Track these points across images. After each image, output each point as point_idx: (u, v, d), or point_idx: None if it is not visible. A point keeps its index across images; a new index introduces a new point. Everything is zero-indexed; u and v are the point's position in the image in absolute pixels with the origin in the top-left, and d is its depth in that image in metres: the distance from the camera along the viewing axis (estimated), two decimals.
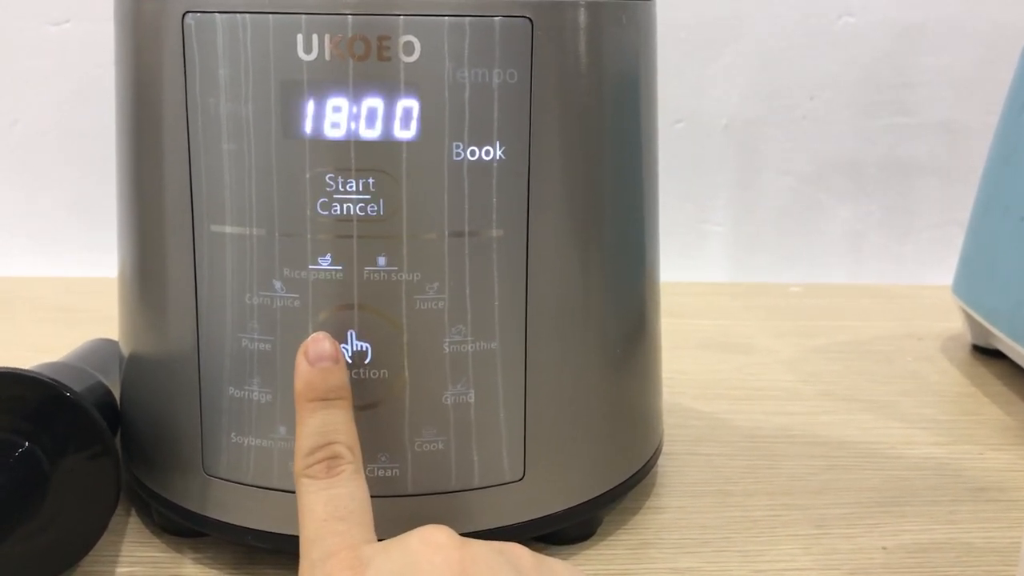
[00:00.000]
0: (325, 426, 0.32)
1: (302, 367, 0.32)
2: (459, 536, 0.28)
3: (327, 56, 0.32)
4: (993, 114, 0.60)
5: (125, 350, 0.40)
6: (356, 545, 0.29)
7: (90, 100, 0.77)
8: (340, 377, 0.33)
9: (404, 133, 0.33)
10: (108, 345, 0.47)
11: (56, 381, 0.36)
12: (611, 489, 0.39)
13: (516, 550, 0.29)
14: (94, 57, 0.77)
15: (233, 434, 0.36)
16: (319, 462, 0.31)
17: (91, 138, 0.78)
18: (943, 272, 0.64)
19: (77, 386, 0.37)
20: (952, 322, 0.68)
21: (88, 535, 0.36)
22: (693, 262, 0.84)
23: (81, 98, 0.78)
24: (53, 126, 0.79)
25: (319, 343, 0.33)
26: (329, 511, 0.30)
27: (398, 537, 0.29)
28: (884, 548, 0.40)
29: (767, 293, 0.78)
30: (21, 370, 0.35)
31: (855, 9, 0.79)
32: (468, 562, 0.27)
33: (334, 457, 0.31)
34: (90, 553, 0.36)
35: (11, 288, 0.74)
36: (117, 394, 0.42)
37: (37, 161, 0.79)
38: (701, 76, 0.80)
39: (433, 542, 0.28)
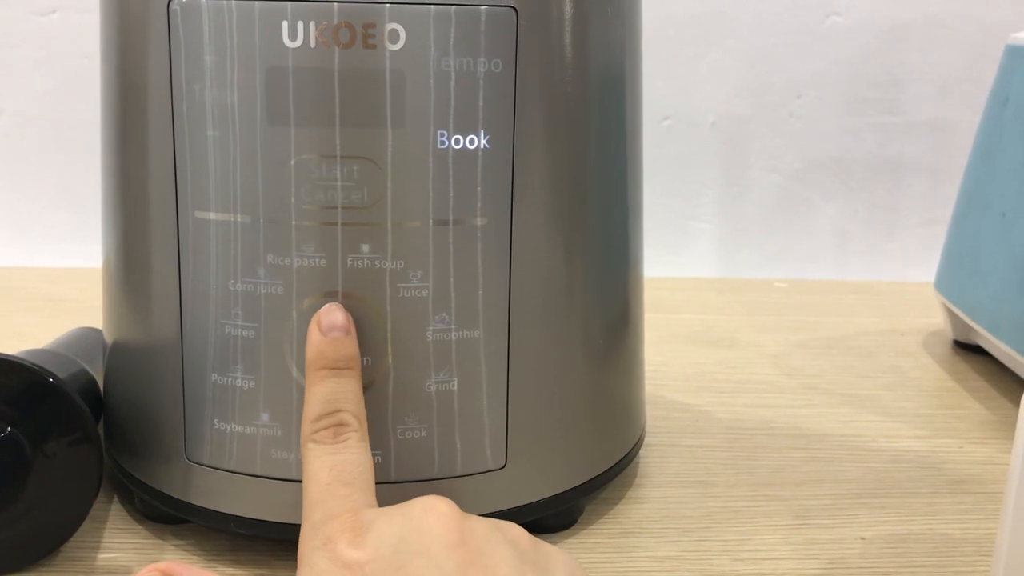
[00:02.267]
0: (334, 394, 0.32)
1: (314, 336, 0.33)
2: (459, 509, 0.29)
3: (312, 43, 0.33)
4: (979, 113, 0.61)
5: (109, 337, 0.40)
6: (358, 509, 0.29)
7: (77, 90, 0.77)
8: (351, 347, 0.33)
9: (389, 121, 0.33)
10: (92, 333, 0.47)
11: (39, 367, 0.35)
12: (593, 478, 0.40)
13: (514, 530, 0.29)
14: (81, 47, 0.76)
15: (216, 421, 0.36)
16: (325, 428, 0.32)
17: (77, 128, 0.78)
18: (929, 270, 0.65)
19: (61, 373, 0.37)
20: (935, 318, 0.68)
21: (70, 521, 0.36)
22: (680, 259, 0.84)
23: (68, 88, 0.77)
24: (39, 116, 0.78)
25: (332, 313, 0.33)
26: (333, 475, 0.30)
27: (400, 504, 0.29)
28: (862, 538, 0.40)
29: (752, 288, 0.78)
30: (4, 355, 0.35)
31: (842, 8, 0.80)
32: (468, 533, 0.27)
33: (340, 424, 0.32)
34: (72, 539, 0.36)
35: None
36: (101, 382, 0.42)
37: (23, 151, 0.79)
38: (689, 73, 0.81)
39: (435, 510, 0.28)
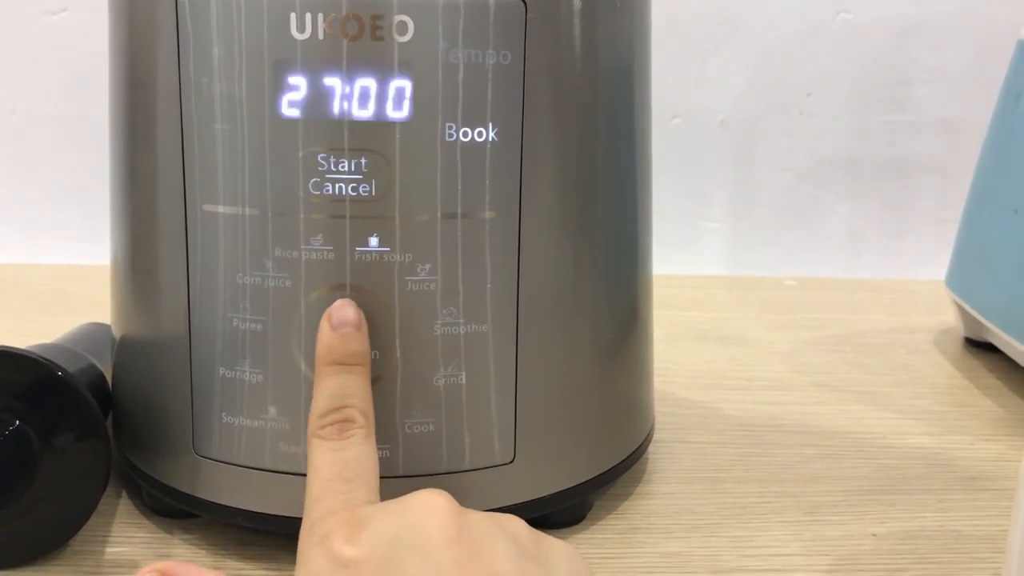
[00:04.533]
0: (341, 389, 0.32)
1: (325, 331, 0.33)
2: (457, 504, 0.28)
3: (320, 35, 0.33)
4: (991, 110, 0.60)
5: (117, 331, 0.40)
6: (356, 505, 0.29)
7: (87, 88, 0.77)
8: (361, 344, 0.33)
9: (397, 113, 0.33)
10: (101, 329, 0.47)
11: (49, 361, 0.36)
12: (601, 474, 0.40)
13: (514, 523, 0.29)
14: (91, 46, 0.77)
15: (224, 415, 0.36)
16: (332, 424, 0.32)
17: (88, 126, 0.78)
18: (940, 268, 0.65)
19: (69, 367, 0.37)
20: (946, 316, 0.68)
21: (78, 515, 0.36)
22: (691, 257, 0.84)
23: (78, 87, 0.78)
24: (50, 115, 0.79)
25: (343, 309, 0.33)
26: (335, 471, 0.30)
27: (398, 499, 0.29)
28: (874, 535, 0.40)
29: (762, 286, 0.78)
30: (14, 349, 0.35)
31: (853, 6, 0.80)
32: (465, 528, 0.27)
33: (347, 420, 0.32)
34: (80, 533, 0.36)
35: (6, 275, 0.74)
36: (110, 377, 0.42)
37: (34, 149, 0.79)
38: (698, 72, 0.80)
39: (432, 505, 0.28)
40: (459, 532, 0.27)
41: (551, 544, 0.29)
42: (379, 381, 0.35)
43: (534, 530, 0.29)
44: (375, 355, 0.35)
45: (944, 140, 0.83)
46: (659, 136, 0.80)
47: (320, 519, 0.29)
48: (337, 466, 0.30)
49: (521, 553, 0.27)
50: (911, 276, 0.83)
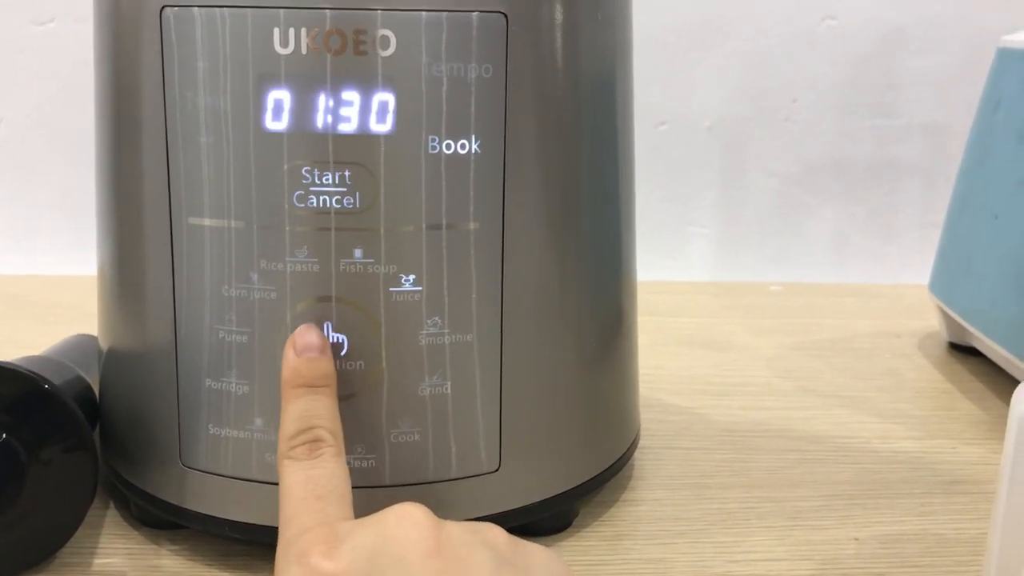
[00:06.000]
0: (308, 411, 0.32)
1: (289, 356, 0.33)
2: (434, 515, 0.28)
3: (304, 50, 0.33)
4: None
5: (104, 343, 0.40)
6: (332, 522, 0.29)
7: (75, 99, 0.77)
8: (326, 366, 0.34)
9: (380, 126, 0.33)
10: (89, 340, 0.47)
11: (35, 374, 0.36)
12: (587, 481, 0.40)
13: (492, 531, 0.29)
14: (79, 56, 0.77)
15: (211, 426, 0.36)
16: (301, 444, 0.32)
17: (77, 136, 0.78)
18: (927, 272, 0.65)
19: (56, 379, 0.37)
20: (931, 320, 0.68)
21: (65, 527, 0.36)
22: (678, 263, 0.84)
23: (66, 97, 0.78)
24: (38, 125, 0.79)
25: (305, 335, 0.34)
26: (308, 490, 0.30)
27: (374, 514, 0.29)
28: (856, 539, 0.40)
29: (749, 292, 0.78)
30: (0, 362, 0.36)
31: (838, 12, 0.80)
32: (444, 539, 0.27)
33: (316, 440, 0.32)
34: (68, 545, 0.36)
35: None
36: (98, 389, 0.42)
37: (22, 160, 0.79)
38: (685, 78, 0.81)
39: (409, 518, 0.28)
40: (438, 543, 0.27)
41: (529, 550, 0.29)
42: (365, 391, 0.35)
43: (513, 537, 0.29)
44: (360, 365, 0.35)
45: (930, 145, 0.83)
46: (646, 142, 0.81)
47: (296, 537, 0.29)
48: (309, 485, 0.31)
49: (500, 561, 0.27)
50: (897, 280, 0.83)
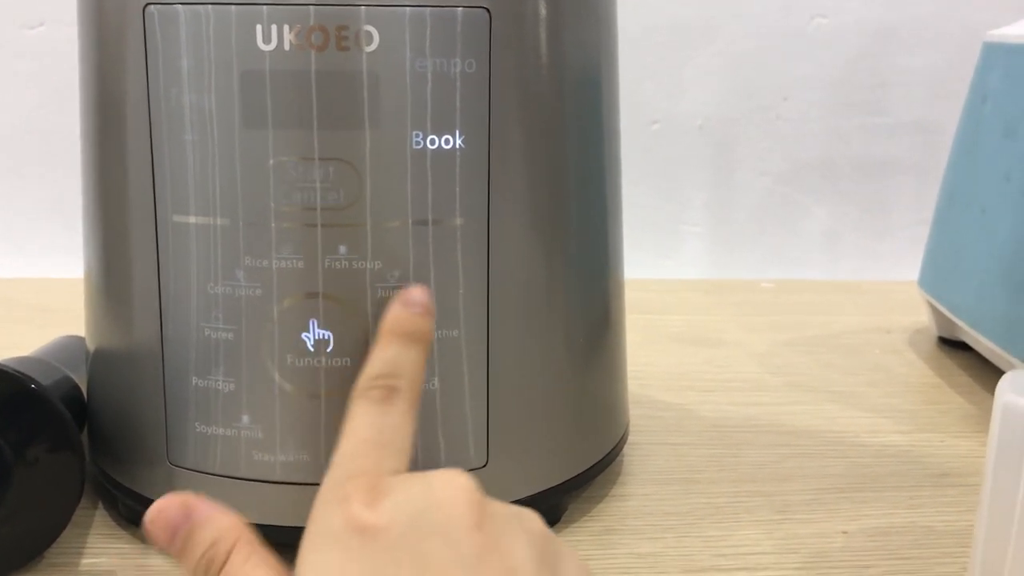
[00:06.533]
0: (397, 359, 0.32)
1: (395, 307, 0.33)
2: (478, 486, 0.27)
3: (287, 46, 0.33)
4: None
5: (91, 343, 0.40)
6: (381, 473, 0.28)
7: (66, 102, 0.77)
8: (427, 324, 0.34)
9: (365, 122, 0.34)
10: (77, 341, 0.47)
11: (21, 374, 0.36)
12: (575, 476, 0.40)
13: (533, 520, 0.28)
14: (69, 59, 0.76)
15: (198, 424, 0.36)
16: (379, 387, 0.31)
17: (67, 139, 0.78)
18: (918, 269, 0.65)
19: (43, 379, 0.37)
20: (921, 316, 0.69)
21: (52, 527, 0.36)
22: (671, 262, 0.84)
23: (57, 100, 0.78)
24: (29, 128, 0.79)
25: (416, 292, 0.34)
26: (371, 434, 0.30)
27: (420, 473, 0.28)
28: (844, 532, 0.40)
29: (740, 289, 0.79)
30: None
31: (828, 10, 0.80)
32: (488, 516, 0.26)
33: (394, 388, 0.31)
34: (55, 545, 0.36)
35: None
36: (86, 390, 0.42)
37: (13, 163, 0.79)
38: (676, 78, 0.81)
39: (456, 484, 0.27)
40: (481, 519, 0.26)
41: (560, 548, 0.28)
42: (351, 388, 0.35)
43: (547, 530, 0.28)
44: (346, 362, 0.35)
45: (920, 142, 0.83)
46: (638, 141, 0.81)
47: (344, 479, 0.28)
48: (374, 429, 0.30)
49: (538, 553, 0.26)
50: (889, 277, 0.83)
